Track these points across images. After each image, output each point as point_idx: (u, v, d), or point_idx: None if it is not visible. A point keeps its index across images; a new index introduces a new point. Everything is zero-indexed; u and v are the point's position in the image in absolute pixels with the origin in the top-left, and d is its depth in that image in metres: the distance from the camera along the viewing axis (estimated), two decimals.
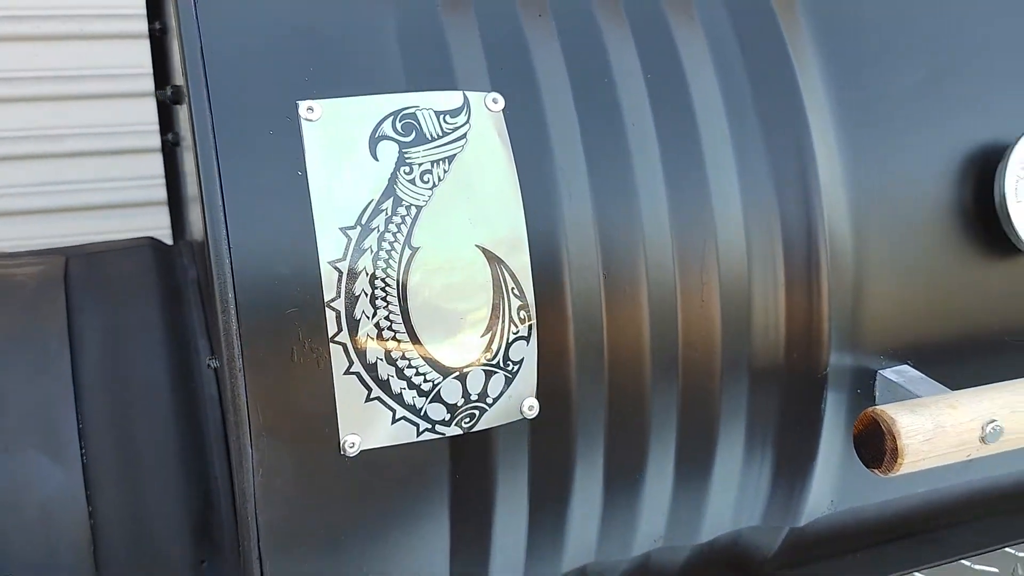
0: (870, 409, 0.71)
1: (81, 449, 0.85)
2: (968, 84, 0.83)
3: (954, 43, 0.83)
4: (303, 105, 0.66)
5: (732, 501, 0.81)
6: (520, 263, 0.68)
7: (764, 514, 0.84)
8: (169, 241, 1.26)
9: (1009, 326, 0.83)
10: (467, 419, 0.68)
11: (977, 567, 0.96)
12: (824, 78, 0.79)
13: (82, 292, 0.94)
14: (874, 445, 0.71)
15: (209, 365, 0.86)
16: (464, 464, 0.70)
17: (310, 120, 0.65)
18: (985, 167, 0.81)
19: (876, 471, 0.71)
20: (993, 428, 0.72)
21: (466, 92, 0.69)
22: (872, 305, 0.79)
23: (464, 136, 0.68)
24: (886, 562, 0.95)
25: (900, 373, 0.81)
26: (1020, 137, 0.81)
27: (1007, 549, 0.98)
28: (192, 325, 0.91)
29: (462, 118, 0.68)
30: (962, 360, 0.82)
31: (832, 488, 0.84)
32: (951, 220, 0.81)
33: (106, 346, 0.90)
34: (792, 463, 0.81)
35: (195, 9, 0.66)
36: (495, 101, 0.70)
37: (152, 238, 1.04)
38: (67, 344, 0.88)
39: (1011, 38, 0.85)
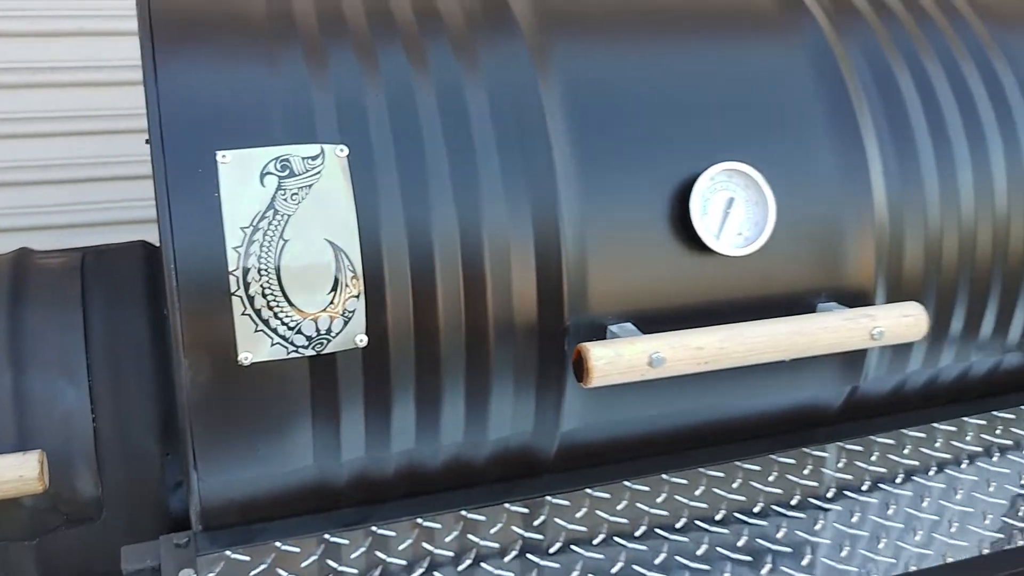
0: (579, 344, 1.14)
1: (88, 377, 1.29)
2: (671, 135, 1.25)
3: (662, 105, 1.26)
4: (219, 154, 1.10)
5: (508, 414, 1.24)
6: (353, 249, 1.11)
7: (534, 424, 1.26)
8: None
9: (698, 298, 1.25)
10: (319, 345, 1.12)
11: (711, 473, 1.37)
12: (568, 124, 1.21)
13: (92, 277, 1.38)
14: (578, 367, 1.13)
15: (164, 313, 1.30)
16: (319, 376, 1.13)
17: (224, 163, 1.10)
18: (682, 191, 1.24)
19: (581, 384, 1.14)
20: (656, 357, 1.14)
21: (323, 145, 1.13)
22: (598, 284, 1.21)
23: (320, 172, 1.12)
24: (641, 468, 1.36)
25: (622, 328, 1.22)
26: (701, 173, 1.23)
27: (736, 462, 1.39)
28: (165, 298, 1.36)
29: (319, 161, 1.12)
30: (667, 320, 1.23)
31: (581, 405, 1.25)
32: (658, 227, 1.23)
33: (106, 312, 1.35)
34: (548, 386, 1.23)
35: (156, 86, 1.11)
36: (342, 150, 1.14)
37: (144, 241, 1.49)
38: (80, 310, 1.33)
39: (702, 103, 1.28)
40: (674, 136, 1.25)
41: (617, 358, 1.13)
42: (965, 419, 1.53)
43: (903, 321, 1.26)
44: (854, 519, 1.30)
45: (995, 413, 1.55)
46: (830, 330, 1.23)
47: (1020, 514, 1.33)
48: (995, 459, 1.44)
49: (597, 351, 1.12)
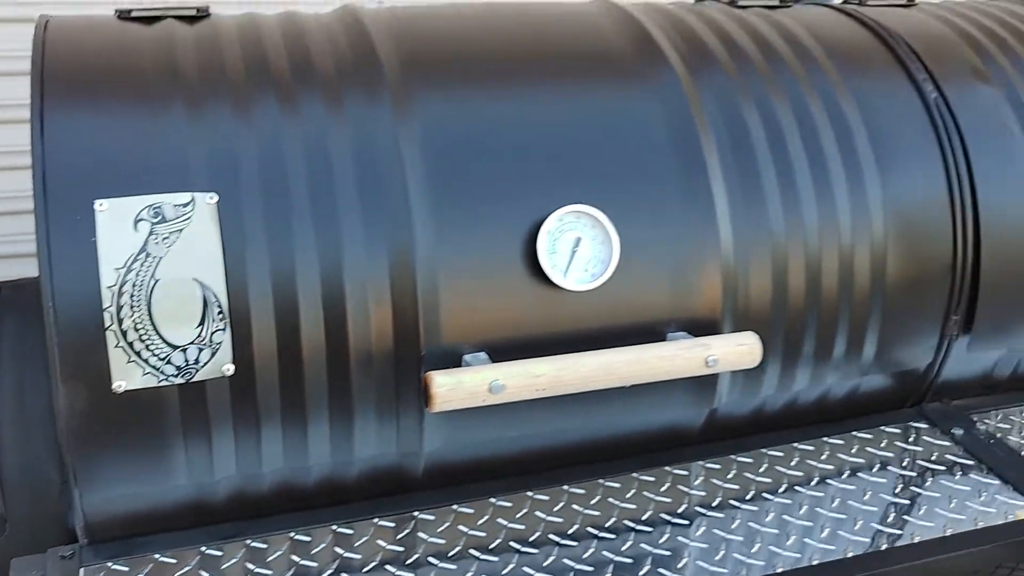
0: (426, 372, 1.26)
1: None
2: (524, 178, 1.37)
3: (516, 149, 1.38)
4: (97, 202, 1.22)
5: (373, 436, 1.35)
6: (219, 287, 1.23)
7: (398, 445, 1.37)
8: None
9: (549, 329, 1.36)
10: (188, 374, 1.23)
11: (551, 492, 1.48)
12: (425, 168, 1.33)
13: (5, 309, 1.51)
14: (425, 393, 1.25)
15: None
16: (189, 402, 1.25)
17: (101, 211, 1.22)
18: (532, 231, 1.35)
19: (427, 409, 1.25)
20: (496, 384, 1.26)
21: (194, 193, 1.25)
22: (453, 317, 1.32)
23: (190, 218, 1.24)
24: (512, 486, 1.47)
25: (475, 357, 1.34)
26: (548, 216, 1.35)
27: (599, 480, 1.50)
28: None
29: (190, 208, 1.25)
30: (520, 350, 1.35)
31: (443, 428, 1.37)
32: (510, 264, 1.35)
33: (16, 344, 1.47)
34: (408, 410, 1.34)
35: (42, 138, 1.23)
36: (212, 197, 1.26)
37: None
38: None
39: (555, 148, 1.39)
40: (527, 179, 1.37)
41: (458, 385, 1.24)
42: (825, 439, 1.64)
43: (737, 349, 1.37)
44: (698, 533, 1.40)
45: (854, 433, 1.65)
46: (665, 359, 1.34)
47: (858, 528, 1.43)
48: (845, 477, 1.55)
49: (440, 379, 1.24)
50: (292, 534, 1.35)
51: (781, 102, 1.54)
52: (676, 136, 1.45)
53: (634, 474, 1.53)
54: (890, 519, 1.45)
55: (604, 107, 1.45)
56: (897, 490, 1.52)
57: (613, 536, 1.39)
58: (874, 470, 1.57)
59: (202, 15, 1.48)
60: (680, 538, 1.39)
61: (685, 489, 1.50)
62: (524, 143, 1.39)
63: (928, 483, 1.54)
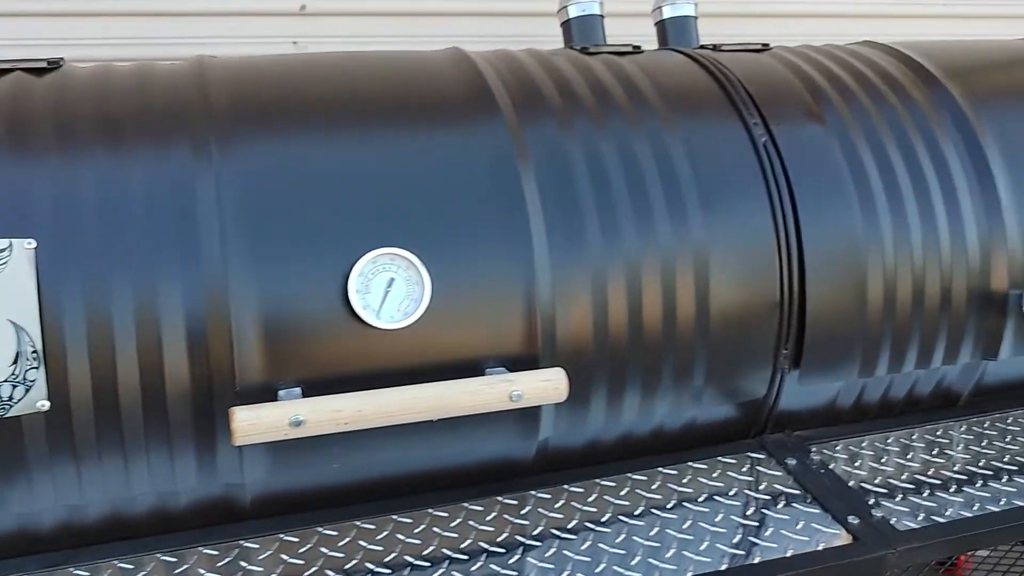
0: (231, 407, 1.33)
1: None
2: (342, 220, 1.44)
3: (334, 192, 1.45)
4: None
5: (193, 468, 1.42)
6: (33, 328, 1.31)
7: (222, 476, 1.44)
8: None
9: (364, 366, 1.43)
10: (2, 410, 1.31)
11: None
12: (242, 207, 1.40)
13: None
14: (230, 427, 1.32)
15: None
16: (4, 436, 1.32)
17: None
18: (346, 271, 1.43)
19: (232, 442, 1.32)
20: (295, 419, 1.32)
21: (12, 239, 1.33)
22: (267, 354, 1.39)
23: (6, 263, 1.32)
24: (337, 515, 1.53)
25: (288, 393, 1.41)
26: (357, 261, 1.42)
27: (428, 510, 1.56)
28: None
29: (7, 253, 1.32)
30: (335, 386, 1.41)
31: (264, 460, 1.43)
32: (325, 304, 1.42)
33: None
34: (225, 443, 1.41)
35: None
36: (30, 243, 1.34)
37: None
38: None
39: (374, 191, 1.47)
40: (344, 221, 1.44)
41: (258, 420, 1.31)
42: (660, 469, 1.69)
43: (542, 385, 1.44)
44: (512, 561, 1.46)
45: (690, 463, 1.71)
46: (469, 393, 1.41)
47: (669, 556, 1.49)
48: (670, 507, 1.60)
49: (241, 414, 1.31)
50: (116, 562, 1.42)
51: (607, 144, 1.61)
52: (497, 178, 1.52)
53: (464, 503, 1.58)
54: (703, 547, 1.50)
55: (427, 151, 1.53)
56: (718, 519, 1.57)
57: (428, 564, 1.45)
58: (700, 500, 1.62)
59: (52, 67, 1.56)
60: (494, 566, 1.45)
61: (510, 518, 1.56)
62: (344, 186, 1.46)
63: (750, 512, 1.59)
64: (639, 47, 1.88)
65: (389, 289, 1.44)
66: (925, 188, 1.73)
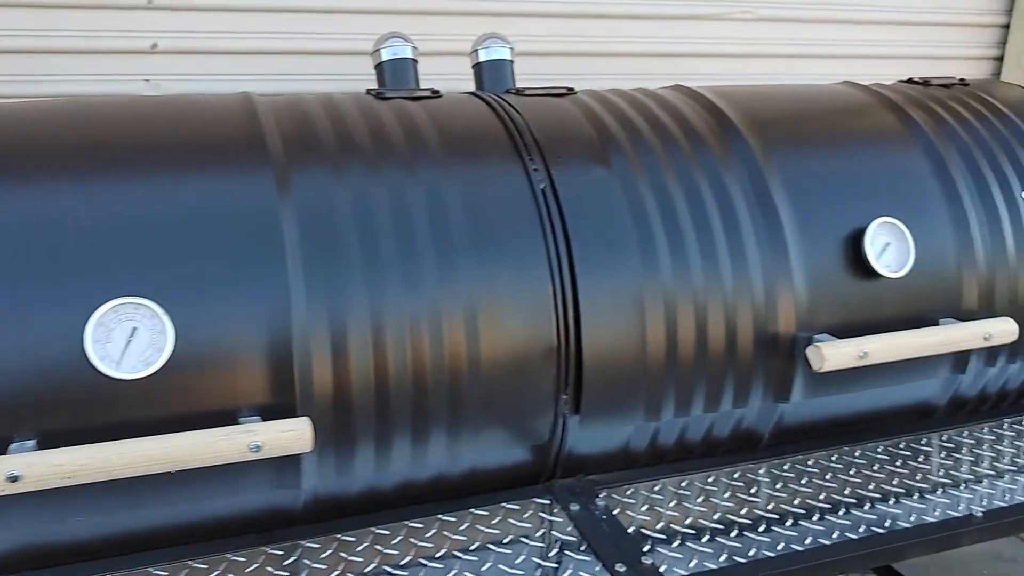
0: None
1: None
2: (83, 269, 1.42)
3: (75, 240, 1.43)
4: None
5: None
6: None
7: None
8: None
9: (106, 417, 1.40)
10: None
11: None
12: None
13: None
14: None
15: None
16: None
17: None
18: (82, 324, 1.40)
19: None
20: (12, 474, 1.29)
21: None
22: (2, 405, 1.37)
23: None
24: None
25: (22, 445, 1.38)
26: (99, 306, 1.40)
27: (188, 561, 1.53)
28: None
29: None
30: (75, 438, 1.39)
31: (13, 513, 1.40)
32: (65, 352, 1.39)
33: None
34: None
35: None
36: None
37: None
38: None
39: (117, 238, 1.45)
40: (88, 270, 1.42)
41: None
42: (440, 516, 1.68)
43: (285, 435, 1.42)
44: None
45: (471, 510, 1.70)
46: (203, 444, 1.38)
47: None
48: (440, 555, 1.59)
49: None
50: None
51: (379, 190, 1.61)
52: (255, 224, 1.51)
53: (227, 554, 1.56)
54: None
55: (184, 197, 1.51)
56: (484, 568, 1.56)
57: None
58: (473, 548, 1.61)
59: None
60: None
61: (273, 569, 1.53)
62: (91, 233, 1.44)
63: (519, 560, 1.58)
64: (438, 92, 1.89)
65: (131, 338, 1.42)
66: (710, 233, 1.75)
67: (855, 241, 1.85)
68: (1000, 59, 3.68)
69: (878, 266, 1.84)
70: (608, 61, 3.11)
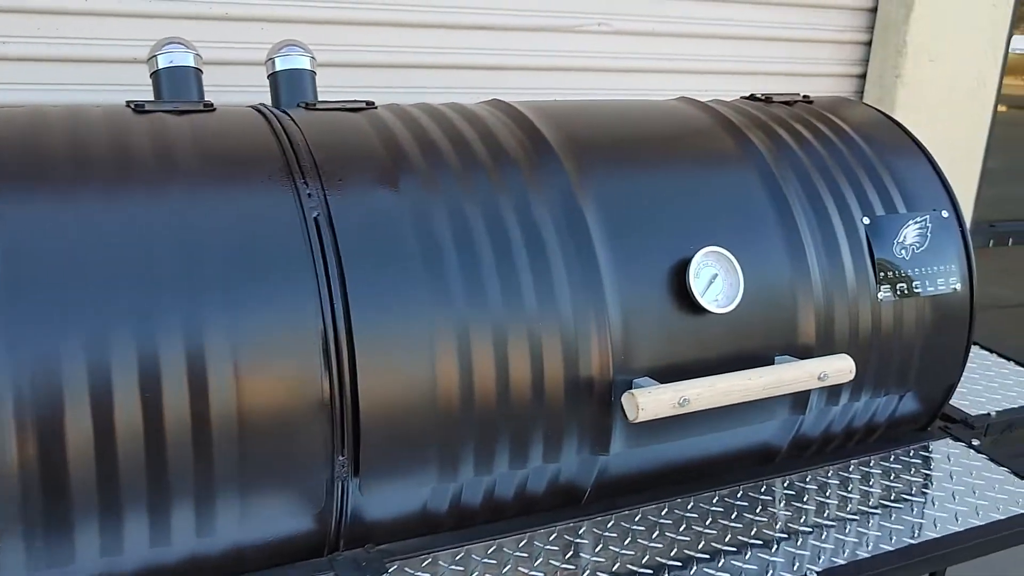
0: None
1: None
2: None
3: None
4: None
5: None
6: None
7: None
8: None
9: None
10: None
11: None
12: None
13: None
14: None
15: None
16: None
17: None
18: None
19: None
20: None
21: None
22: None
23: None
24: None
25: None
26: None
27: None
28: None
29: None
30: None
31: None
32: None
33: None
34: None
35: None
36: None
37: None
38: None
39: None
40: None
41: None
42: None
43: None
44: None
45: None
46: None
47: None
48: None
49: None
50: None
51: (113, 216, 1.36)
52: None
53: None
54: None
55: None
56: None
57: None
58: None
59: None
60: None
61: None
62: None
63: None
64: (211, 105, 1.64)
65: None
66: (512, 265, 1.54)
67: (679, 273, 1.67)
68: (863, 76, 3.61)
69: (704, 301, 1.66)
70: (452, 74, 2.91)
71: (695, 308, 1.67)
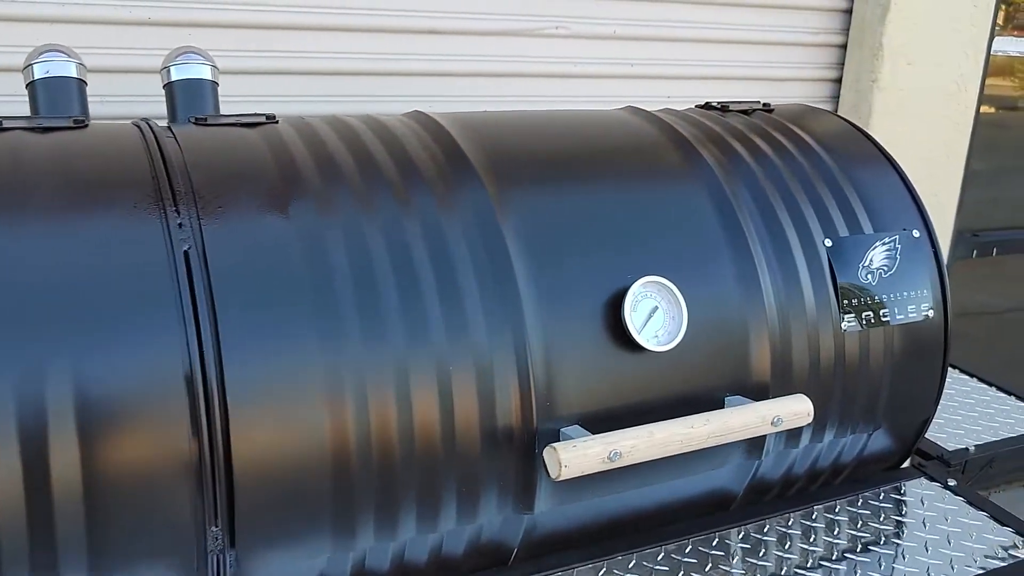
0: None
1: None
2: None
3: None
4: None
5: None
6: None
7: None
8: None
9: None
10: None
11: None
12: None
13: None
14: None
15: None
16: None
17: None
18: None
19: None
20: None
21: None
22: None
23: None
24: None
25: None
26: None
27: None
28: None
29: None
30: None
31: None
32: None
33: None
34: None
35: None
36: None
37: None
38: None
39: None
40: None
41: None
42: None
43: None
44: None
45: None
46: None
47: None
48: None
49: None
50: None
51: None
52: None
53: None
54: None
55: None
56: None
57: None
58: None
59: None
60: None
61: None
62: None
63: None
64: (82, 121, 1.45)
65: None
66: (419, 298, 1.36)
67: (614, 307, 1.48)
68: (839, 81, 3.43)
69: (642, 338, 1.48)
70: (395, 82, 2.72)
71: (632, 346, 1.48)
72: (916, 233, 1.83)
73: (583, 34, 2.99)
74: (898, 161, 1.93)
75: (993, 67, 3.63)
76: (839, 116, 2.04)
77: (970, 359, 2.58)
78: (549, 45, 2.96)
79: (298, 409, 1.27)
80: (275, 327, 1.26)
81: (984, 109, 3.64)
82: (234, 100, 2.43)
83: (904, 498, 1.87)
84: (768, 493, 1.80)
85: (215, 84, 1.71)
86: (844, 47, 3.39)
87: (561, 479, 1.34)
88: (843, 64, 3.41)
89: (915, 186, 1.89)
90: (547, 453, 1.36)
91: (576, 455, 1.33)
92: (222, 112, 1.72)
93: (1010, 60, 3.88)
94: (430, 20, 2.70)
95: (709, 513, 1.74)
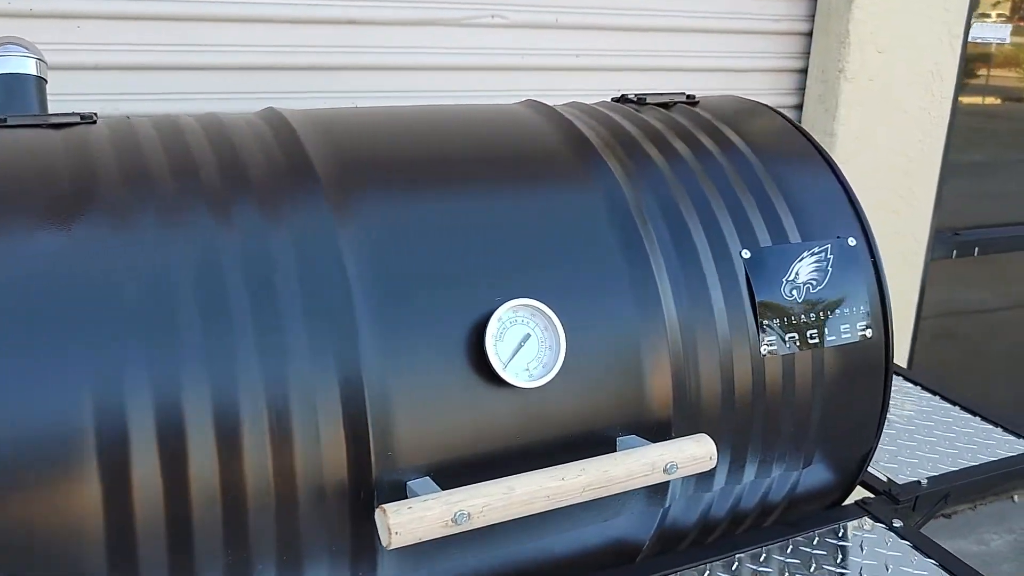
0: None
1: None
2: None
3: None
4: None
5: None
6: None
7: None
8: None
9: None
10: None
11: None
12: None
13: None
14: None
15: None
16: None
17: None
18: None
19: None
20: None
21: None
22: None
23: None
24: None
25: None
26: None
27: None
28: None
29: None
30: None
31: None
32: None
33: None
34: None
35: None
36: None
37: None
38: None
39: None
40: None
41: None
42: None
43: None
44: None
45: None
46: None
47: None
48: None
49: None
50: None
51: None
52: None
53: None
54: None
55: None
56: None
57: None
58: None
59: None
60: None
61: None
62: None
63: None
64: None
65: None
66: (227, 325, 1.14)
67: (477, 334, 1.26)
68: (805, 71, 3.20)
69: (508, 372, 1.26)
70: (314, 77, 2.50)
71: (497, 381, 1.26)
72: (852, 241, 1.60)
73: (522, 23, 2.77)
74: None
75: (971, 55, 3.39)
76: (772, 109, 1.81)
77: (951, 367, 2.34)
78: (485, 35, 2.74)
79: (67, 467, 1.05)
80: (35, 367, 1.05)
81: (963, 99, 3.40)
82: (135, 98, 2.22)
83: (841, 543, 1.64)
84: (683, 540, 1.58)
85: (42, 80, 1.50)
86: (810, 35, 3.16)
87: (392, 547, 1.12)
88: (808, 53, 3.17)
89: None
90: (377, 516, 1.14)
91: (410, 519, 1.11)
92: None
93: (988, 47, 3.64)
94: (346, 9, 2.48)
95: (612, 565, 1.52)
